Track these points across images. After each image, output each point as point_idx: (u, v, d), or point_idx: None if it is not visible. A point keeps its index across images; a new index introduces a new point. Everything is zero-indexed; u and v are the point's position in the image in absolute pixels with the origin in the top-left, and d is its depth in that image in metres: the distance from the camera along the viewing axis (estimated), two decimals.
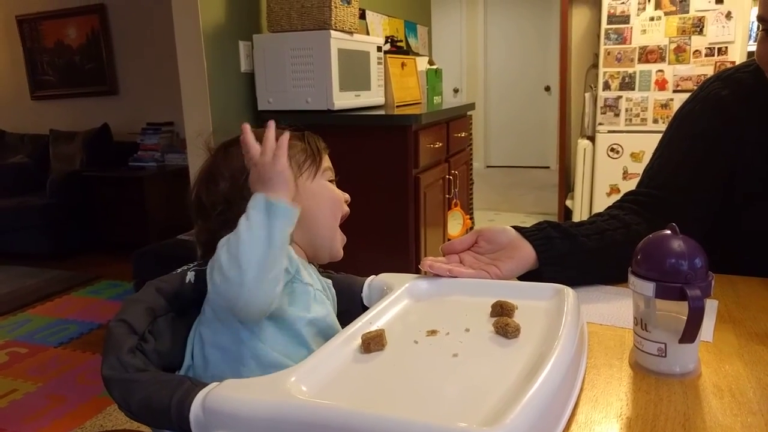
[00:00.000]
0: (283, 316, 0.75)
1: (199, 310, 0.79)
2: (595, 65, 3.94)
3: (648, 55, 3.54)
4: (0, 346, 2.72)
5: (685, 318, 0.58)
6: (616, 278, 0.85)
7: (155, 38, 4.29)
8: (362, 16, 3.01)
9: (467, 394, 0.53)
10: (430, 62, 3.27)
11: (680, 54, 3.47)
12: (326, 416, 0.49)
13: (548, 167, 6.82)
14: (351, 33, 2.35)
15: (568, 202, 4.20)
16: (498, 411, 0.47)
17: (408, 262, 2.26)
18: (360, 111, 2.41)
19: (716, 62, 3.41)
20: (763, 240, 0.98)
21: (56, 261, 3.92)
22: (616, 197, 1.05)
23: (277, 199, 0.68)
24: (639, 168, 3.33)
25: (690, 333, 0.58)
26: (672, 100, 3.53)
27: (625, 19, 3.56)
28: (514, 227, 0.87)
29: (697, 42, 3.42)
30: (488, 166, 7.26)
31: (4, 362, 2.55)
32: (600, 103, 3.71)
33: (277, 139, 0.73)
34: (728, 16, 3.35)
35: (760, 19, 0.89)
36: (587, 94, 4.00)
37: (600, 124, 3.73)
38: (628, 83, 3.62)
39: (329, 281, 0.86)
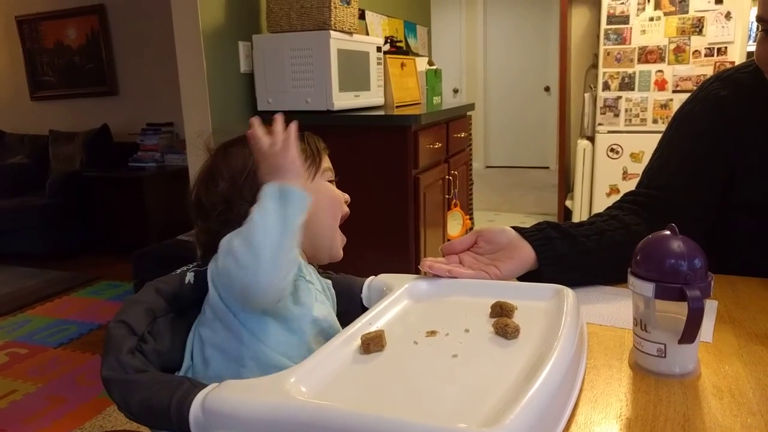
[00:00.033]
0: (286, 314, 0.75)
1: (199, 311, 0.79)
2: (595, 65, 3.95)
3: (647, 55, 3.54)
4: (0, 346, 2.71)
5: (685, 318, 0.58)
6: (616, 279, 0.85)
7: (155, 39, 4.30)
8: (362, 16, 3.01)
9: (467, 394, 0.53)
10: (430, 62, 3.27)
11: (680, 54, 3.47)
12: (326, 417, 0.49)
13: (548, 167, 6.82)
14: (350, 33, 2.35)
15: (568, 203, 4.20)
16: (498, 412, 0.47)
17: (407, 263, 2.26)
18: (359, 111, 2.41)
19: (716, 62, 3.41)
20: (763, 240, 0.98)
21: (56, 262, 3.92)
22: (615, 197, 1.04)
23: (290, 186, 0.68)
24: (639, 168, 3.33)
25: (689, 333, 0.58)
26: (671, 100, 3.53)
27: (624, 19, 3.56)
28: (514, 228, 0.87)
29: (697, 42, 3.42)
30: (488, 167, 7.26)
31: (4, 363, 2.55)
32: (600, 104, 3.71)
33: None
34: (728, 16, 3.35)
35: (759, 19, 0.89)
36: (587, 95, 4.00)
37: (600, 124, 3.73)
38: (627, 83, 3.62)
39: (329, 282, 0.87)
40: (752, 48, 3.10)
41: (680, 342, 0.59)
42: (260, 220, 0.66)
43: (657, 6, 3.48)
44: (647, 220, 0.94)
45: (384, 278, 0.84)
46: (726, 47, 3.38)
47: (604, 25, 3.61)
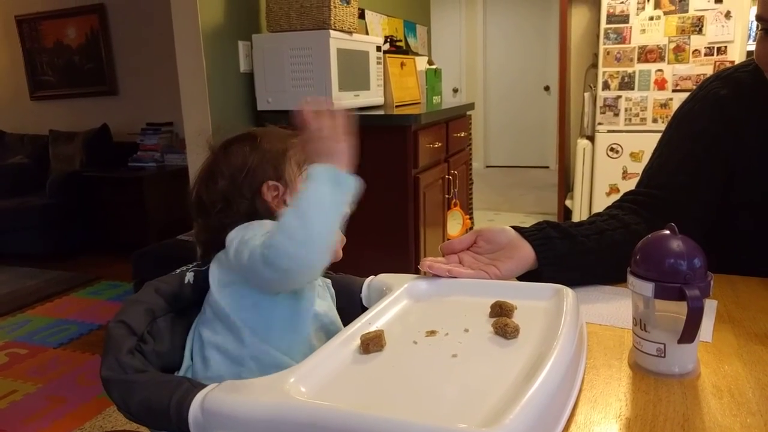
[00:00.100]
0: (287, 309, 0.75)
1: (199, 311, 0.79)
2: (595, 65, 3.94)
3: (647, 54, 3.54)
4: (0, 346, 2.71)
5: (684, 318, 0.58)
6: (616, 278, 0.85)
7: (154, 38, 4.29)
8: (361, 15, 3.01)
9: (466, 394, 0.53)
10: (430, 62, 3.27)
11: (679, 53, 3.47)
12: (325, 417, 0.49)
13: (548, 167, 6.82)
14: (350, 33, 2.35)
15: (568, 202, 4.20)
16: (497, 411, 0.47)
17: (407, 263, 2.26)
18: (359, 111, 2.41)
19: (715, 62, 3.41)
20: (763, 240, 0.98)
21: (56, 262, 3.92)
22: (615, 197, 1.04)
23: (343, 171, 0.70)
24: (638, 168, 3.32)
25: (689, 333, 0.58)
26: (671, 99, 3.53)
27: (624, 18, 3.56)
28: (514, 227, 0.87)
29: (697, 41, 3.42)
30: (488, 166, 7.26)
31: (4, 363, 2.55)
32: (599, 103, 3.71)
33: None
34: (727, 15, 3.35)
35: (759, 18, 0.89)
36: (587, 94, 4.00)
37: (599, 123, 3.73)
38: (627, 83, 3.62)
39: (328, 281, 0.87)
40: (752, 47, 3.10)
41: (680, 342, 0.59)
42: (316, 200, 0.67)
43: (657, 5, 3.48)
44: (647, 220, 0.94)
45: (383, 278, 0.84)
46: (726, 46, 3.38)
47: (603, 25, 3.61)
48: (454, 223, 2.72)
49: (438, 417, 0.49)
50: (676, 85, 3.51)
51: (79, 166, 4.28)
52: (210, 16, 2.16)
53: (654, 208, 0.97)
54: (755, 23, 0.94)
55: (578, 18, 4.40)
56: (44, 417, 2.10)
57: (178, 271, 0.81)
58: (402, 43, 3.45)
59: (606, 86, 3.67)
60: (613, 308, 0.79)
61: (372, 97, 2.54)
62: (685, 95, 1.10)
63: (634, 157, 3.66)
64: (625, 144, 3.67)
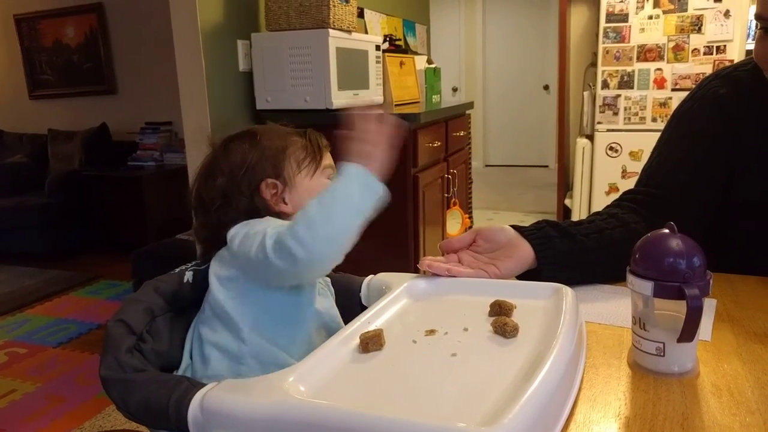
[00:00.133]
0: (287, 306, 0.75)
1: (197, 310, 0.79)
2: (594, 64, 3.94)
3: (647, 53, 3.54)
4: None
5: (684, 317, 0.58)
6: (615, 277, 0.85)
7: (153, 37, 4.29)
8: (360, 14, 3.01)
9: (466, 393, 0.53)
10: (429, 61, 3.27)
11: (679, 52, 3.47)
12: (324, 416, 0.49)
13: (547, 166, 6.82)
14: (349, 32, 2.34)
15: (567, 201, 4.20)
16: (496, 410, 0.47)
17: (407, 262, 2.26)
18: (358, 110, 2.41)
19: (715, 61, 3.41)
20: (762, 239, 0.98)
21: (55, 261, 3.92)
22: (615, 196, 1.04)
23: (376, 179, 0.69)
24: (638, 167, 3.32)
25: (688, 332, 0.58)
26: (671, 98, 3.53)
27: (623, 17, 3.56)
28: (513, 226, 0.87)
29: (696, 40, 3.42)
30: (487, 165, 7.26)
31: (3, 362, 2.55)
32: (599, 102, 3.71)
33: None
34: (727, 14, 3.35)
35: (758, 17, 0.89)
36: (586, 93, 4.00)
37: (599, 122, 3.73)
38: (626, 82, 3.62)
39: (328, 279, 0.87)
40: (751, 46, 3.10)
41: (679, 340, 0.59)
42: (342, 197, 0.67)
43: (656, 4, 3.48)
44: (646, 219, 0.94)
45: (383, 277, 0.84)
46: (725, 45, 3.38)
47: (603, 24, 3.61)
48: (454, 222, 2.72)
49: (437, 416, 0.49)
50: (676, 84, 3.51)
51: (78, 166, 4.28)
52: (209, 15, 2.16)
53: (653, 207, 0.97)
54: (754, 22, 0.94)
55: (577, 17, 4.39)
56: (43, 416, 2.10)
57: (177, 270, 0.81)
58: (401, 42, 3.44)
59: (605, 85, 3.67)
60: (612, 307, 0.79)
61: (371, 96, 2.53)
62: (684, 94, 1.10)
63: (634, 156, 3.66)
64: (624, 143, 3.67)
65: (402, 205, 2.25)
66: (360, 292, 0.86)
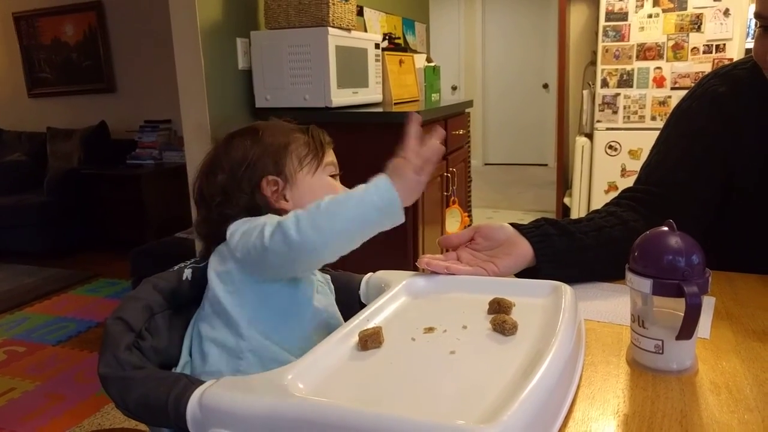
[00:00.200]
0: (286, 303, 0.75)
1: (197, 308, 0.79)
2: (593, 62, 3.94)
3: (646, 52, 3.54)
4: None
5: (683, 315, 0.58)
6: (614, 275, 0.85)
7: (152, 35, 4.28)
8: (360, 12, 3.00)
9: (464, 391, 0.53)
10: (428, 59, 3.27)
11: (678, 51, 3.47)
12: (323, 414, 0.49)
13: (546, 165, 6.82)
14: (349, 30, 2.34)
15: (566, 200, 4.21)
16: (495, 408, 0.47)
17: (406, 260, 2.26)
18: (358, 108, 2.41)
19: (714, 59, 3.41)
20: (761, 237, 0.98)
21: (54, 259, 3.92)
22: (614, 194, 1.05)
23: (400, 206, 0.67)
24: (637, 165, 3.32)
25: (687, 330, 0.58)
26: (670, 97, 3.53)
27: (623, 16, 3.56)
28: (512, 224, 0.87)
29: (695, 39, 3.42)
30: (486, 164, 7.26)
31: (2, 361, 2.54)
32: (598, 101, 3.71)
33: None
34: (726, 13, 3.35)
35: (757, 16, 0.89)
36: (585, 92, 4.00)
37: (598, 121, 3.73)
38: (626, 80, 3.62)
39: (328, 276, 0.87)
40: (750, 45, 3.10)
41: (678, 338, 0.59)
42: (357, 205, 0.67)
43: (655, 3, 3.48)
44: (645, 217, 0.94)
45: (382, 275, 0.84)
46: (724, 44, 3.38)
47: (602, 22, 3.61)
48: (453, 221, 2.72)
49: (436, 413, 0.49)
50: (675, 82, 3.51)
51: (77, 164, 4.28)
52: (208, 13, 2.16)
53: (652, 205, 0.97)
54: (754, 21, 0.94)
55: (577, 15, 4.39)
56: (42, 414, 2.10)
57: (176, 267, 0.81)
58: (401, 41, 3.44)
59: (605, 84, 3.67)
60: (611, 305, 0.79)
61: (370, 94, 2.53)
62: (683, 93, 1.10)
63: (633, 154, 3.66)
64: (623, 141, 3.68)
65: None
66: (359, 289, 0.86)
